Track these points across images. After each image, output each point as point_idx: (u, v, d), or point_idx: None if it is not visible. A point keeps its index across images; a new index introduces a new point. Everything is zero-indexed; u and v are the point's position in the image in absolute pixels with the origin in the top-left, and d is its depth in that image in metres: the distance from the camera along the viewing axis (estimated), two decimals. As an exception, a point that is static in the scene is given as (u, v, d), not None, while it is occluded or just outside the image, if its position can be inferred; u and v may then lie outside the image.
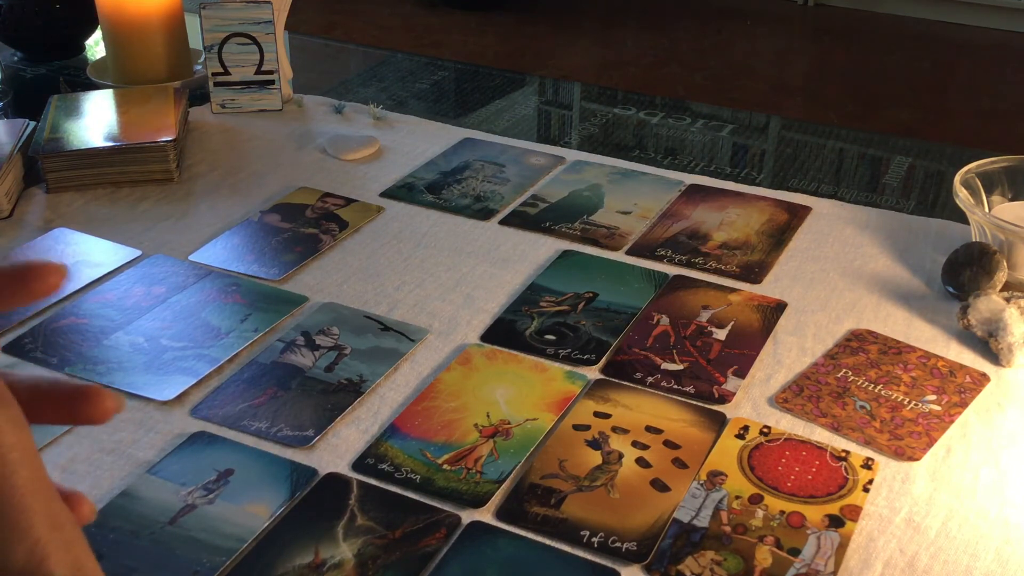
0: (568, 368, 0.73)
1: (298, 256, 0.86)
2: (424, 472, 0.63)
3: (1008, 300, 0.76)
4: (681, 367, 0.73)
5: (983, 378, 0.73)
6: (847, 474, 0.63)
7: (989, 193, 0.88)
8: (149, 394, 0.70)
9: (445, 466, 0.64)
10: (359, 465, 0.63)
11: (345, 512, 0.60)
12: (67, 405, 0.44)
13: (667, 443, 0.66)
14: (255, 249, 0.87)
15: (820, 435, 0.67)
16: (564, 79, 1.66)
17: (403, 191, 0.98)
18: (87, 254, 0.87)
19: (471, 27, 3.91)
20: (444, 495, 0.62)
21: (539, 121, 1.21)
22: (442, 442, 0.66)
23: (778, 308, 0.80)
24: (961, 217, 0.90)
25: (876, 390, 0.71)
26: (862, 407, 0.69)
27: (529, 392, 0.70)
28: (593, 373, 0.73)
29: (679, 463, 0.64)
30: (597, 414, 0.68)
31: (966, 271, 0.80)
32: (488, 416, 0.68)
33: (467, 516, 0.61)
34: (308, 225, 0.91)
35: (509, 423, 0.67)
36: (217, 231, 0.91)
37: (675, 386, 0.71)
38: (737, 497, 0.61)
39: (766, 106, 3.11)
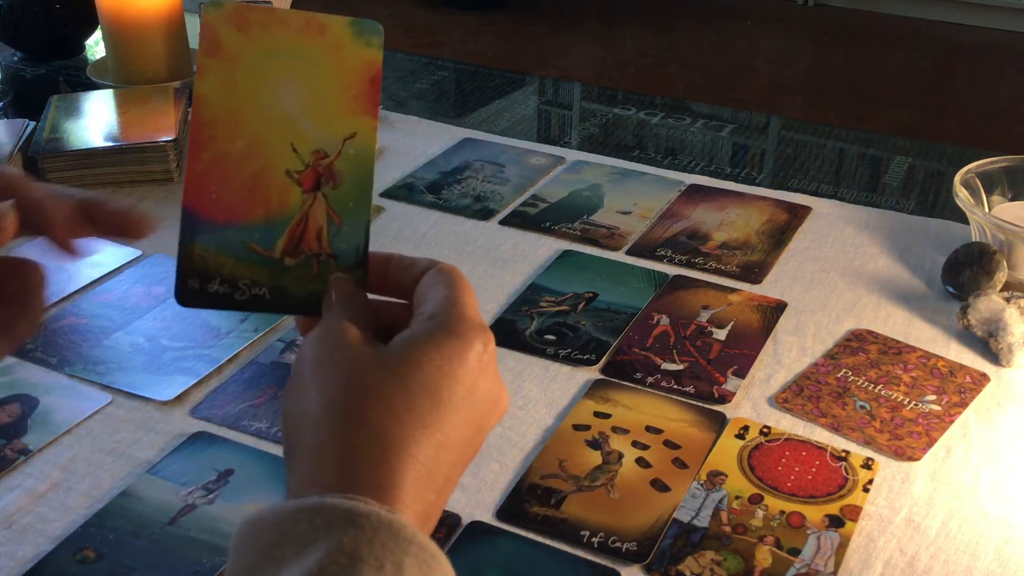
0: (350, 23, 0.50)
1: (298, 256, 0.86)
2: (268, 280, 0.46)
3: (1008, 300, 0.76)
4: (681, 367, 0.73)
5: (983, 378, 0.73)
6: (847, 474, 0.63)
7: (989, 193, 0.88)
8: (149, 394, 0.70)
9: (287, 260, 0.46)
10: (193, 292, 0.46)
11: (345, 512, 0.60)
12: (110, 222, 0.48)
13: (667, 443, 0.66)
14: (255, 249, 0.87)
15: (820, 435, 0.67)
16: (564, 79, 1.66)
17: (403, 191, 0.98)
18: (87, 254, 0.87)
19: (471, 27, 3.91)
20: (304, 306, 0.46)
21: (539, 121, 1.21)
22: (262, 221, 0.46)
23: (778, 308, 0.80)
24: (961, 217, 0.90)
25: (876, 390, 0.71)
26: (862, 407, 0.69)
27: (323, 81, 0.48)
28: (593, 373, 0.73)
29: (679, 463, 0.64)
30: (597, 414, 0.68)
31: (966, 271, 0.80)
32: (295, 150, 0.47)
33: (467, 516, 0.61)
34: (308, 225, 0.91)
35: (326, 153, 0.48)
36: (217, 231, 0.91)
37: (675, 386, 0.71)
38: (737, 497, 0.61)
39: (766, 106, 3.11)
